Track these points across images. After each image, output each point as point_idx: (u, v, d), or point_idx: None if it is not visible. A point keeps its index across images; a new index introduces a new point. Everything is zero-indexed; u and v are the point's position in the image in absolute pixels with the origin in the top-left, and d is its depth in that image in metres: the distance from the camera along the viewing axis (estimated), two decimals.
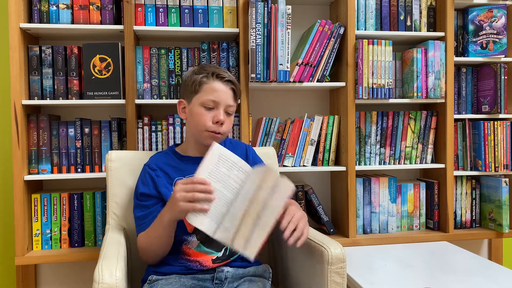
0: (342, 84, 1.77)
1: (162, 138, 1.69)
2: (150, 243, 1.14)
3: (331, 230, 1.81)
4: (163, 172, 1.22)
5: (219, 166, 1.03)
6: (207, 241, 1.17)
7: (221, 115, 1.18)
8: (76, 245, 1.67)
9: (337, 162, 1.85)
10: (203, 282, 1.15)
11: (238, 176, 1.04)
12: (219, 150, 1.04)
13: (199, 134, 1.21)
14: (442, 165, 1.85)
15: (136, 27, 1.64)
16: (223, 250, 1.20)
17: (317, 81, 1.73)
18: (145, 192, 1.19)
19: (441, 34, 1.83)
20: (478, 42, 1.88)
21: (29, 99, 1.63)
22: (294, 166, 1.76)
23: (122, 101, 1.64)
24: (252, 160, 1.33)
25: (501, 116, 1.87)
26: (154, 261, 1.18)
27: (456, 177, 1.90)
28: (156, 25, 1.68)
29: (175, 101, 1.69)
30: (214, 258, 1.19)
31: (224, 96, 1.19)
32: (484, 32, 1.87)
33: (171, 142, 1.69)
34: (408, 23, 1.83)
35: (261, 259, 1.35)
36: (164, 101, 1.68)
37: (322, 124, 1.78)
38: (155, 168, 1.22)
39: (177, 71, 1.71)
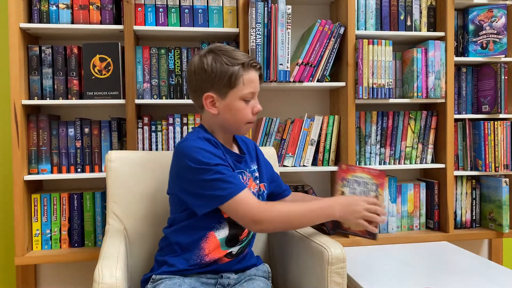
0: (342, 84, 1.77)
1: (162, 138, 1.69)
2: (288, 213, 1.10)
3: (331, 230, 1.80)
4: (222, 152, 1.15)
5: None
6: (233, 233, 1.16)
7: (259, 104, 1.17)
8: (76, 245, 1.67)
9: (337, 162, 1.85)
10: (207, 286, 1.15)
11: None
12: None
13: (239, 127, 1.17)
14: (442, 165, 1.85)
15: (136, 27, 1.64)
16: (238, 247, 1.18)
17: (317, 81, 1.73)
18: (222, 163, 1.09)
19: (441, 34, 1.82)
20: (478, 42, 1.88)
21: (29, 99, 1.63)
22: (294, 166, 1.76)
23: (122, 101, 1.64)
24: (262, 159, 1.33)
25: (501, 116, 1.87)
26: (266, 228, 1.12)
27: (456, 177, 1.90)
28: (156, 25, 1.68)
29: (175, 101, 1.69)
30: (228, 252, 1.17)
31: (258, 85, 1.17)
32: (484, 32, 1.87)
33: (171, 142, 1.69)
34: (408, 23, 1.83)
35: (262, 259, 1.35)
36: (164, 101, 1.68)
37: (322, 124, 1.78)
38: (217, 146, 1.14)
39: (177, 71, 1.71)
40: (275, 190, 1.36)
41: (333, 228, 1.24)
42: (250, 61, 1.13)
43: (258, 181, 1.25)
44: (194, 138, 1.13)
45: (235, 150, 1.25)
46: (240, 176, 1.18)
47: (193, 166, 1.07)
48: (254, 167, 1.26)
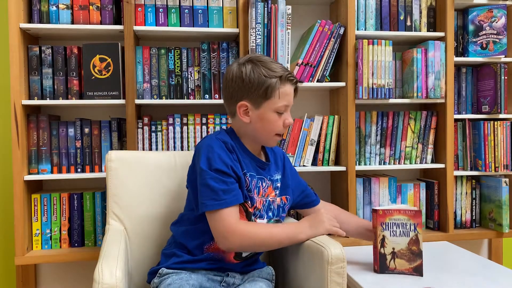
0: (342, 84, 1.77)
1: (162, 138, 1.69)
2: (259, 236, 1.11)
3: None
4: (237, 157, 1.16)
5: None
6: None
7: (291, 118, 1.19)
8: (76, 245, 1.67)
9: (337, 162, 1.85)
10: (212, 282, 1.16)
11: None
12: None
13: (268, 138, 1.19)
14: (442, 165, 1.85)
15: (136, 27, 1.64)
16: (247, 252, 1.20)
17: (317, 81, 1.73)
18: (224, 170, 1.10)
19: (441, 34, 1.83)
20: (478, 42, 1.88)
21: (29, 99, 1.63)
22: (294, 166, 1.76)
23: (122, 101, 1.64)
24: (289, 170, 1.33)
25: (501, 116, 1.87)
26: (232, 248, 1.13)
27: (456, 177, 1.90)
28: (156, 25, 1.68)
29: (175, 101, 1.69)
30: (236, 254, 1.19)
31: (292, 98, 1.19)
32: (484, 32, 1.87)
33: (171, 142, 1.69)
34: (408, 23, 1.83)
35: (263, 260, 1.35)
36: (164, 101, 1.68)
37: (322, 124, 1.78)
38: (232, 151, 1.14)
39: (177, 71, 1.71)
40: (304, 199, 1.38)
41: (380, 270, 1.35)
42: (287, 74, 1.15)
43: (278, 192, 1.26)
44: (213, 137, 1.15)
45: (262, 157, 1.26)
46: (260, 181, 1.20)
47: (200, 163, 1.11)
48: (278, 176, 1.27)
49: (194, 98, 1.72)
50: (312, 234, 1.19)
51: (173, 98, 1.71)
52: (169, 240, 1.27)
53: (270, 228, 1.16)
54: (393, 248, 1.33)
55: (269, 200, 1.21)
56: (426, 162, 1.89)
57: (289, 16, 1.65)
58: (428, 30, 1.86)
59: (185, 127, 1.70)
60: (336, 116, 1.80)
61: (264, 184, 1.21)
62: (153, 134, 1.69)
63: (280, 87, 1.14)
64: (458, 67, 1.93)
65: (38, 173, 1.63)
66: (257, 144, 1.24)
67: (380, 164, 1.85)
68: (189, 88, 1.72)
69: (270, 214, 1.22)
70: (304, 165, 1.77)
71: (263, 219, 1.20)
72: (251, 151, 1.21)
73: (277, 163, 1.30)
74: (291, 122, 1.18)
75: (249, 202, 1.16)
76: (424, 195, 1.91)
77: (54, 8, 1.62)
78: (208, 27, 1.71)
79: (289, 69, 1.66)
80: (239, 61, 1.18)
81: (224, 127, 1.72)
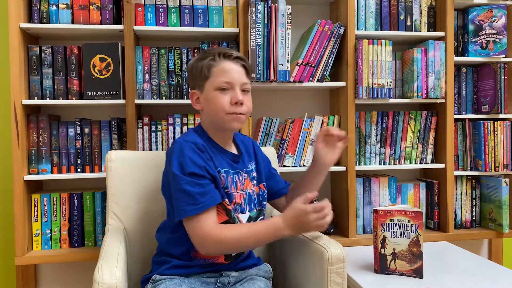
0: (342, 84, 1.77)
1: (162, 138, 1.69)
2: (235, 238, 1.08)
3: (331, 230, 1.81)
4: (210, 156, 1.14)
5: None
6: None
7: (239, 94, 1.13)
8: (76, 245, 1.67)
9: (337, 162, 1.85)
10: (207, 285, 1.15)
11: None
12: None
13: (221, 120, 1.14)
14: (442, 165, 1.85)
15: (136, 27, 1.64)
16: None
17: (317, 81, 1.73)
18: (197, 172, 1.08)
19: (441, 34, 1.83)
20: (478, 42, 1.88)
21: (29, 99, 1.63)
22: (294, 166, 1.76)
23: (122, 101, 1.64)
24: (260, 157, 1.31)
25: (501, 116, 1.87)
26: (212, 253, 1.12)
27: (456, 177, 1.90)
28: (156, 25, 1.68)
29: (175, 101, 1.69)
30: (225, 255, 1.17)
31: (236, 75, 1.14)
32: (484, 32, 1.87)
33: (171, 142, 1.69)
34: (408, 23, 1.83)
35: (262, 259, 1.35)
36: (164, 101, 1.68)
37: (322, 124, 1.78)
38: (203, 150, 1.12)
39: (177, 71, 1.71)
40: (273, 187, 1.33)
41: (381, 270, 1.37)
42: (224, 52, 1.15)
43: (255, 182, 1.24)
44: (181, 140, 1.13)
45: (233, 150, 1.24)
46: (236, 176, 1.18)
47: (172, 169, 1.09)
48: (252, 166, 1.26)
49: None
50: (295, 233, 1.12)
51: (173, 98, 1.71)
52: (158, 248, 1.26)
53: (247, 227, 1.11)
54: (394, 249, 1.33)
55: (249, 192, 1.20)
56: (426, 162, 1.89)
57: (289, 16, 1.65)
58: (428, 30, 1.85)
59: (185, 127, 1.70)
60: (336, 116, 1.80)
61: (240, 178, 1.19)
62: (153, 134, 1.69)
63: (216, 65, 1.14)
64: (458, 67, 1.93)
65: (38, 173, 1.63)
66: (225, 135, 1.21)
67: (380, 164, 1.85)
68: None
69: (252, 205, 1.20)
70: (304, 165, 1.77)
71: (245, 212, 1.18)
72: (221, 144, 1.19)
73: (249, 153, 1.28)
74: (238, 98, 1.13)
75: (227, 199, 1.13)
76: (424, 195, 1.91)
77: (54, 8, 1.62)
78: (208, 27, 1.70)
79: (289, 69, 1.66)
80: None
81: None
